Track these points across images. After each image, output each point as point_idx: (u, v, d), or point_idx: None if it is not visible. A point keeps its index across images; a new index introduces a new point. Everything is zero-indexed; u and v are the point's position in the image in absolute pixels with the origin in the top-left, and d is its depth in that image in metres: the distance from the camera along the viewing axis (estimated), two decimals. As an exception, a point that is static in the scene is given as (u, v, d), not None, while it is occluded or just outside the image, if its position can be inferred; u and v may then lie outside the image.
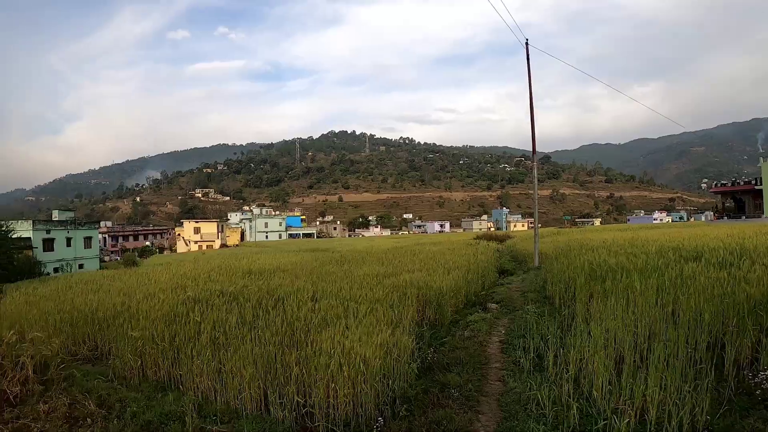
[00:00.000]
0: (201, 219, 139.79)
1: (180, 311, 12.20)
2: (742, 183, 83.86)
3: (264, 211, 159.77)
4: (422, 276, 16.57)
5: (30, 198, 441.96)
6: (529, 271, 24.34)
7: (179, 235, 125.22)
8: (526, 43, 27.81)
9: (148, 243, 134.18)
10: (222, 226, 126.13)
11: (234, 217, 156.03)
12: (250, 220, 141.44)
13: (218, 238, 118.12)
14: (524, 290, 18.35)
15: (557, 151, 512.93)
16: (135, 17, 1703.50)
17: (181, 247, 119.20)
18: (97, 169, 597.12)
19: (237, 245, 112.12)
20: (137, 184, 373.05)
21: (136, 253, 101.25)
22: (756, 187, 76.49)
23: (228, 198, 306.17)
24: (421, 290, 14.45)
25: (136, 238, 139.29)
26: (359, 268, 20.62)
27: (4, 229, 32.58)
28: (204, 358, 9.63)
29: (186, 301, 13.28)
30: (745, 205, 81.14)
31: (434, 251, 29.47)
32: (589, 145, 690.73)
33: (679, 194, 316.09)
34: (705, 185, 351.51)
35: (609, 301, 10.86)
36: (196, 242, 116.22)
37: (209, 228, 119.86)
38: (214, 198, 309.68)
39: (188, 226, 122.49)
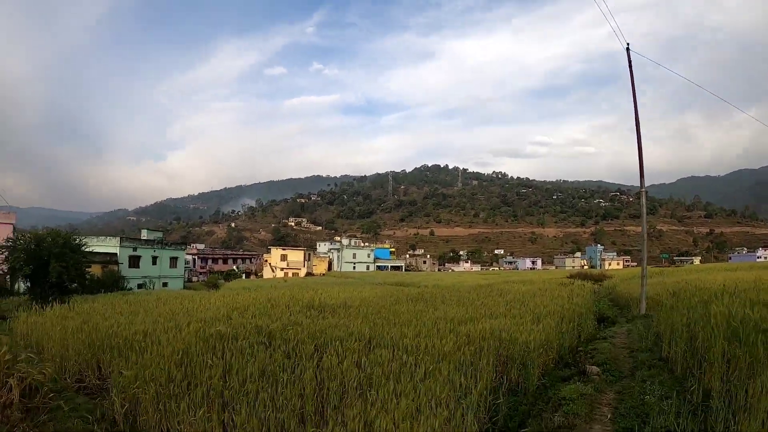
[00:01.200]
0: (288, 247, 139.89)
1: (195, 350, 10.18)
2: None
3: (353, 241, 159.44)
4: (506, 323, 13.73)
5: (131, 218, 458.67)
6: (635, 320, 20.64)
7: (266, 261, 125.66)
8: (627, 49, 24.62)
9: (234, 267, 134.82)
10: (309, 254, 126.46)
11: (322, 247, 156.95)
12: (338, 250, 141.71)
13: (304, 266, 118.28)
14: (632, 348, 15.00)
15: (653, 185, 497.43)
16: (235, 53, 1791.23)
17: (267, 272, 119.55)
18: (195, 194, 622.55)
19: (323, 274, 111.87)
20: (233, 211, 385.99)
21: (221, 276, 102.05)
22: None
23: (320, 228, 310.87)
24: (503, 344, 11.66)
25: (225, 261, 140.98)
26: (434, 309, 18.01)
27: (77, 242, 31.58)
28: (199, 417, 7.99)
29: (210, 337, 11.15)
30: None
31: (523, 291, 26.67)
32: (687, 177, 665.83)
33: None
34: None
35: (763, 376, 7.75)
36: (282, 269, 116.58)
37: (296, 256, 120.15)
38: (306, 227, 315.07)
39: (275, 252, 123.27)
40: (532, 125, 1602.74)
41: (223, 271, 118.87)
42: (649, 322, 17.98)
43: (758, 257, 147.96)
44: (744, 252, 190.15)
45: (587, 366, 12.47)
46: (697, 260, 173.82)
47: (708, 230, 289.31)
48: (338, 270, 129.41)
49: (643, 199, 20.70)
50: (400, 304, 20.04)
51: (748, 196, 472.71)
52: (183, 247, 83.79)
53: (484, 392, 9.01)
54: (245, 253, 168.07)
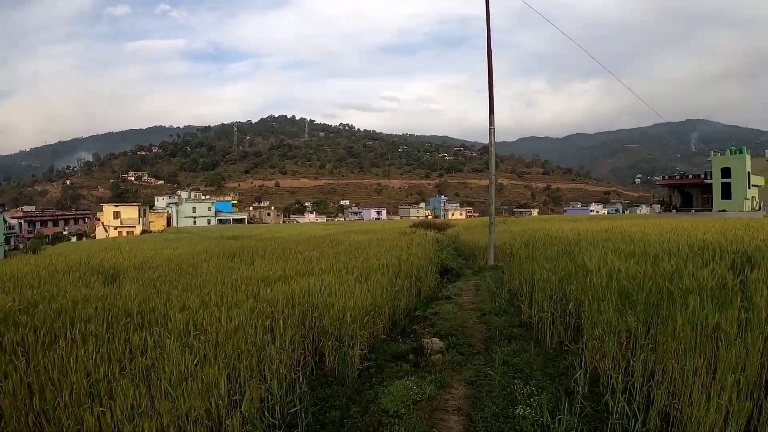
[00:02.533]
0: (121, 204, 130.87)
1: None
2: (690, 177, 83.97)
3: (193, 195, 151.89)
4: (328, 282, 10.79)
5: None
6: (483, 272, 18.19)
7: (99, 220, 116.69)
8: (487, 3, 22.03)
9: (65, 229, 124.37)
10: (144, 210, 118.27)
11: (161, 202, 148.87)
12: (177, 204, 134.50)
13: (139, 223, 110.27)
14: (483, 309, 12.31)
15: (496, 142, 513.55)
16: None
17: (100, 233, 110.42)
18: (27, 150, 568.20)
19: (161, 231, 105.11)
20: (68, 167, 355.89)
21: (48, 241, 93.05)
22: (705, 181, 76.48)
23: (162, 181, 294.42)
24: (315, 312, 8.76)
25: (56, 223, 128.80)
26: (249, 266, 15.13)
27: None
28: None
29: None
30: (692, 199, 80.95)
31: (360, 241, 24.31)
32: (528, 138, 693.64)
33: (614, 188, 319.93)
34: (639, 180, 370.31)
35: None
36: (115, 228, 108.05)
37: (129, 213, 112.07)
38: (147, 181, 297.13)
39: (107, 210, 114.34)
40: (382, 80, 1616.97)
41: (50, 235, 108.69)
42: (500, 275, 15.80)
43: (591, 211, 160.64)
44: (578, 206, 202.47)
45: (426, 340, 9.38)
46: (535, 212, 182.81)
47: (545, 186, 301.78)
48: (177, 225, 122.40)
49: (492, 137, 17.97)
50: (210, 261, 17.02)
51: (583, 157, 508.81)
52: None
53: (280, 389, 6.29)
54: (78, 213, 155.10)
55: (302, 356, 7.73)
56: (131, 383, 5.51)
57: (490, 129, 18.05)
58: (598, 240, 15.36)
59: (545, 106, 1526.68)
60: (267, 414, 5.88)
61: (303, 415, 6.14)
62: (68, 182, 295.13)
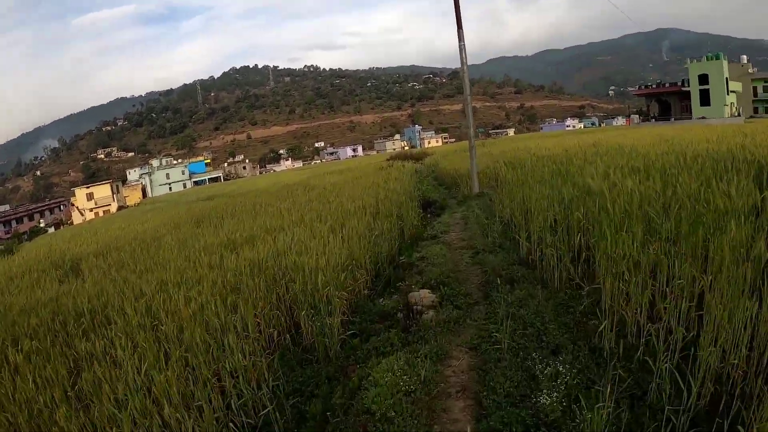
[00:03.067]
0: (92, 184, 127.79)
1: None
2: (668, 85, 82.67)
3: (164, 161, 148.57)
4: (301, 235, 9.97)
5: None
6: (468, 202, 16.91)
7: (73, 205, 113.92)
8: None
9: (40, 222, 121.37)
10: (117, 186, 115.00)
11: (133, 174, 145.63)
12: (149, 174, 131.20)
13: (114, 200, 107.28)
14: (475, 247, 10.98)
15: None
16: None
17: (76, 217, 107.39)
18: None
19: (137, 204, 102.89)
20: (35, 157, 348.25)
21: (25, 237, 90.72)
22: (683, 89, 75.39)
23: (132, 153, 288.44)
24: (286, 276, 7.75)
25: (31, 218, 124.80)
26: (216, 229, 14.38)
27: None
28: None
29: None
30: (670, 107, 79.94)
31: (335, 183, 23.36)
32: (497, 58, 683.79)
33: (588, 102, 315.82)
34: (612, 92, 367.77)
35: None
36: (91, 210, 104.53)
37: (102, 192, 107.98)
38: (118, 156, 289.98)
39: (80, 193, 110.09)
40: (343, 15, 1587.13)
41: (27, 231, 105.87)
42: (487, 203, 14.70)
43: (567, 126, 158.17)
44: (554, 122, 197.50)
45: (415, 293, 8.05)
46: (511, 132, 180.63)
47: (519, 105, 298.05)
48: (153, 195, 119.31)
49: (463, 54, 16.13)
50: (176, 231, 16.18)
51: (555, 73, 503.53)
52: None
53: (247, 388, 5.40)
54: (52, 202, 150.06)
55: (276, 332, 6.77)
56: (72, 410, 4.78)
57: (460, 45, 16.34)
58: (590, 155, 14.16)
59: (513, 24, 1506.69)
60: (241, 414, 5.08)
61: (277, 414, 5.12)
62: (38, 173, 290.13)
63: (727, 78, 71.19)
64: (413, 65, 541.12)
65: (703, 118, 63.83)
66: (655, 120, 75.79)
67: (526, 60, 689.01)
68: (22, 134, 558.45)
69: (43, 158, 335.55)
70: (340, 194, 16.54)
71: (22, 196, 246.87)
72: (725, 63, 72.27)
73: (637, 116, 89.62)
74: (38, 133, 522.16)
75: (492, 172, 18.88)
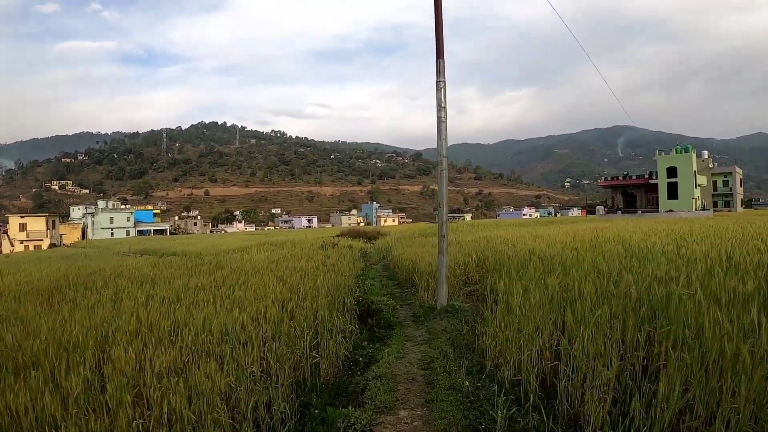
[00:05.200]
0: (27, 215, 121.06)
1: None
2: (634, 177, 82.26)
3: (110, 204, 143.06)
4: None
5: None
6: (431, 320, 11.03)
7: (5, 233, 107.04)
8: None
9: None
10: (54, 222, 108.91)
11: (76, 212, 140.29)
12: (93, 214, 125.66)
13: (47, 236, 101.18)
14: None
15: (428, 148, 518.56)
16: None
17: (6, 247, 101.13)
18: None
19: (71, 244, 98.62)
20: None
21: None
22: (651, 181, 74.63)
23: (87, 191, 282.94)
24: None
25: None
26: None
27: None
28: None
29: None
30: (636, 200, 79.09)
31: (257, 261, 18.10)
32: (460, 144, 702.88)
33: (544, 192, 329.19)
34: (568, 184, 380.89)
35: None
36: (21, 242, 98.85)
37: (36, 225, 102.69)
38: (72, 190, 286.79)
39: (13, 222, 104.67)
40: (315, 87, 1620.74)
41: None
42: (462, 331, 9.34)
43: (524, 215, 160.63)
44: (511, 210, 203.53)
45: None
46: (468, 216, 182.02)
47: (477, 191, 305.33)
48: (93, 238, 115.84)
49: (443, 94, 10.76)
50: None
51: (514, 162, 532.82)
52: None
53: None
54: None
55: None
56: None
57: (438, 82, 11.39)
58: (605, 253, 11.19)
59: (477, 113, 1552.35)
60: None
61: None
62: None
63: (695, 171, 70.91)
64: (378, 143, 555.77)
65: (670, 211, 63.87)
66: (621, 212, 74.51)
67: (487, 148, 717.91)
68: None
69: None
70: (256, 276, 12.87)
71: None
72: (694, 156, 72.20)
73: (602, 208, 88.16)
74: None
75: (462, 271, 14.39)
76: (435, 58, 11.65)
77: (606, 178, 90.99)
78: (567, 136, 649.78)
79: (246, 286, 11.01)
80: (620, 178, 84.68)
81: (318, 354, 7.66)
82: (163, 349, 6.56)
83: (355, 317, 10.09)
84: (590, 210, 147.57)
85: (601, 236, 17.72)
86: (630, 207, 77.58)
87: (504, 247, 16.30)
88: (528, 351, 6.05)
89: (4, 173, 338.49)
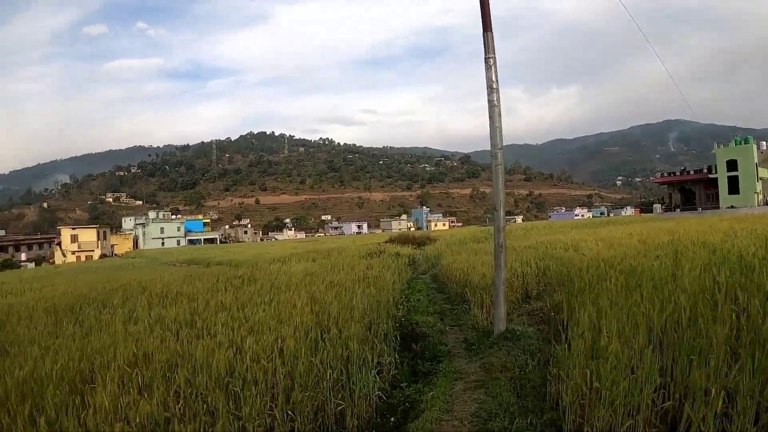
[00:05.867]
0: (79, 226, 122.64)
1: None
2: (692, 172, 77.20)
3: (161, 214, 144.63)
4: None
5: None
6: (487, 348, 8.88)
7: (58, 244, 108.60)
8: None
9: (22, 255, 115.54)
10: (105, 233, 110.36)
11: (128, 222, 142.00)
12: (144, 225, 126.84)
13: (98, 247, 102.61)
14: None
15: (477, 151, 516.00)
16: (48, 9, 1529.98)
17: (58, 258, 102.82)
18: (6, 173, 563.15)
19: (123, 255, 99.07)
20: (46, 189, 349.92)
21: None
22: (710, 176, 69.93)
23: (140, 202, 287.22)
24: None
25: (17, 248, 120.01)
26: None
27: None
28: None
29: None
30: (695, 196, 74.32)
31: (293, 274, 16.54)
32: (509, 145, 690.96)
33: (596, 191, 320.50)
34: (620, 182, 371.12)
35: None
36: (73, 252, 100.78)
37: (87, 236, 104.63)
38: (126, 202, 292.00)
39: (65, 233, 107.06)
40: (361, 93, 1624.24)
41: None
42: (527, 367, 7.08)
43: (576, 215, 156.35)
44: (562, 210, 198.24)
45: None
46: (519, 218, 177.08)
47: (528, 192, 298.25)
48: (144, 247, 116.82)
49: (492, 72, 8.79)
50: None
51: (564, 162, 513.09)
52: None
53: None
54: (42, 237, 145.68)
55: None
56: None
57: (486, 59, 9.40)
58: (693, 261, 8.97)
59: (524, 113, 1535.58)
60: None
61: None
62: (45, 205, 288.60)
63: (756, 164, 66.18)
64: (426, 147, 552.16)
65: (732, 207, 59.04)
66: (680, 210, 70.48)
67: (536, 148, 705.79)
68: (38, 164, 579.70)
69: (53, 192, 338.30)
70: (287, 293, 11.39)
71: (25, 224, 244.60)
72: (755, 147, 67.40)
73: (660, 206, 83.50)
74: (53, 166, 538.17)
75: (520, 284, 12.56)
76: (482, 32, 9.77)
77: (662, 174, 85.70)
78: (616, 132, 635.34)
79: (272, 305, 9.54)
80: (677, 173, 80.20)
81: (344, 399, 6.07)
82: (148, 394, 5.39)
83: (395, 344, 8.44)
84: (644, 209, 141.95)
85: (674, 239, 15.72)
86: (688, 204, 73.58)
87: (567, 254, 14.51)
88: (626, 417, 4.35)
89: (60, 187, 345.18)
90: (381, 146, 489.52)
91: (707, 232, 18.06)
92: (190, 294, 13.05)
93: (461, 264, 15.87)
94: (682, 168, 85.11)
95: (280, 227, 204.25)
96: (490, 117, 9.67)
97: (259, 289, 12.55)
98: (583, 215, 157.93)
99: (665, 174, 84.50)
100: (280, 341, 6.78)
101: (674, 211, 70.93)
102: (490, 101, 9.64)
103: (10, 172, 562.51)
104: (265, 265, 22.43)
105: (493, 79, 9.69)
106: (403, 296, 14.09)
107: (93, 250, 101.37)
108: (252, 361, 5.97)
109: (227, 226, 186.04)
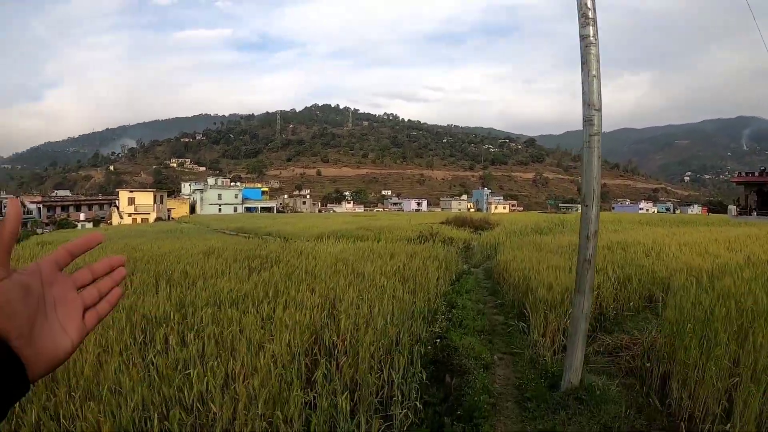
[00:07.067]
0: (137, 189, 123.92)
1: None
2: None
3: (219, 181, 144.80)
4: None
5: (5, 166, 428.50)
6: (548, 413, 6.03)
7: (116, 206, 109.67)
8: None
9: (81, 215, 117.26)
10: (161, 197, 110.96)
11: (186, 188, 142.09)
12: (202, 190, 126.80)
13: (154, 210, 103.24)
14: None
15: (542, 135, 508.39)
16: None
17: (115, 219, 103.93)
18: (76, 137, 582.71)
19: (179, 219, 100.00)
20: (113, 153, 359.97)
21: (54, 226, 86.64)
22: None
23: (204, 168, 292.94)
24: None
25: (78, 208, 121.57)
26: None
27: None
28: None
29: None
30: None
31: (340, 252, 15.33)
32: (574, 131, 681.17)
33: (662, 185, 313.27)
34: (688, 178, 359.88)
35: None
36: (130, 215, 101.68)
37: (144, 199, 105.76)
38: (189, 168, 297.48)
39: (123, 196, 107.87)
40: (427, 69, 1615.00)
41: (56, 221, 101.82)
42: None
43: (641, 209, 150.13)
44: (627, 203, 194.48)
45: None
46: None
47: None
48: (201, 213, 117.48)
49: (591, 27, 6.21)
50: None
51: (631, 152, 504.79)
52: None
53: None
54: (101, 198, 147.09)
55: None
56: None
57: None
58: None
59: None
60: None
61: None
62: (112, 168, 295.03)
63: None
64: (490, 128, 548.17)
65: None
66: (756, 215, 64.01)
67: (603, 136, 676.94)
68: (107, 129, 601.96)
69: (120, 155, 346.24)
70: (302, 284, 9.64)
71: (91, 186, 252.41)
72: None
73: (735, 207, 77.90)
74: (122, 131, 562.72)
75: (593, 302, 9.32)
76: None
77: (739, 174, 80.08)
78: (688, 126, 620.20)
79: (271, 306, 7.37)
80: (756, 174, 73.15)
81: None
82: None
83: (420, 377, 6.03)
84: (713, 208, 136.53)
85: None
86: (765, 208, 66.43)
87: (649, 261, 11.93)
88: None
89: (127, 151, 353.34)
90: (445, 124, 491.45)
91: None
92: (196, 276, 11.05)
93: (521, 263, 12.72)
94: (762, 168, 79.36)
95: (339, 200, 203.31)
96: (584, 62, 6.66)
97: (272, 276, 10.32)
98: (648, 209, 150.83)
99: (743, 173, 79.02)
100: (241, 381, 4.57)
101: (750, 214, 65.24)
102: (583, 38, 6.39)
103: (80, 135, 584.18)
104: (303, 243, 20.12)
105: (589, 5, 6.55)
106: (446, 300, 11.44)
107: (149, 213, 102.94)
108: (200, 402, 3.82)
109: (286, 196, 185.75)
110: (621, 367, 7.25)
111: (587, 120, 6.80)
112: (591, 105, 6.63)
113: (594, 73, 6.57)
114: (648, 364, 6.32)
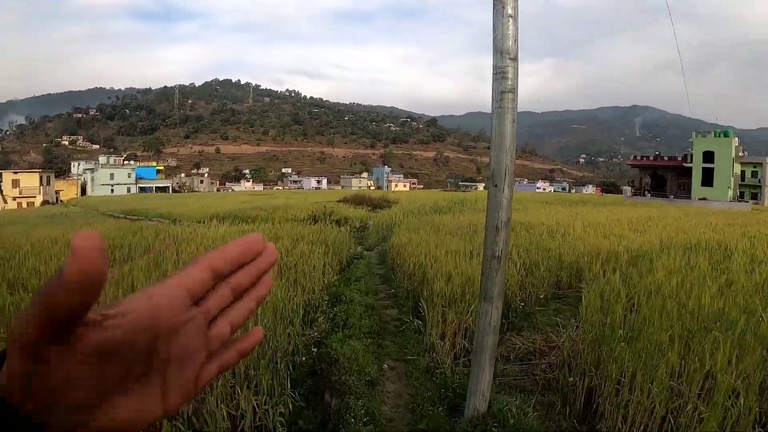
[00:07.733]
0: (21, 170, 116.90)
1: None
2: (666, 158, 76.69)
3: (111, 159, 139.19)
4: None
5: None
6: None
7: (0, 190, 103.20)
8: None
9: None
10: (48, 178, 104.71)
11: (76, 167, 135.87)
12: (93, 170, 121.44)
13: (40, 193, 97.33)
14: None
15: (444, 115, 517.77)
16: None
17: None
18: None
19: (69, 201, 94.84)
20: (0, 130, 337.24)
21: None
22: (685, 165, 69.08)
23: (98, 146, 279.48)
24: None
25: None
26: None
27: None
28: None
29: None
30: (665, 183, 73.42)
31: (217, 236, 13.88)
32: (476, 113, 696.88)
33: (559, 166, 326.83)
34: (583, 160, 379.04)
35: None
36: (14, 198, 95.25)
37: (29, 181, 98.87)
38: (82, 146, 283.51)
39: (6, 178, 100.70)
40: (333, 47, 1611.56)
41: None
42: None
43: (538, 188, 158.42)
44: (524, 182, 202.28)
45: None
46: (481, 186, 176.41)
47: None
48: (92, 194, 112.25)
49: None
50: None
51: (529, 134, 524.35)
52: None
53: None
54: None
55: None
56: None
57: None
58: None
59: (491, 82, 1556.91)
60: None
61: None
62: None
63: (734, 158, 65.20)
64: (393, 107, 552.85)
65: (704, 199, 57.58)
66: (650, 195, 68.73)
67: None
68: None
69: (7, 133, 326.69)
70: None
71: None
72: (735, 141, 66.26)
73: (630, 189, 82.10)
74: (9, 106, 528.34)
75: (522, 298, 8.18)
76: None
77: (635, 157, 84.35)
78: (585, 112, 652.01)
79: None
80: (650, 158, 79.34)
81: None
82: None
83: (292, 398, 4.74)
84: (606, 189, 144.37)
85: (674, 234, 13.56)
86: (658, 190, 72.21)
87: (555, 244, 11.12)
88: None
89: (14, 128, 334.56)
90: (348, 102, 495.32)
91: (698, 225, 16.88)
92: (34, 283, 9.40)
93: (417, 248, 11.35)
94: (657, 153, 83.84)
95: (239, 178, 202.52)
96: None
97: (123, 274, 8.75)
98: (545, 189, 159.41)
99: (638, 157, 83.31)
100: None
101: (644, 195, 69.63)
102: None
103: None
104: (186, 228, 18.31)
105: None
106: (330, 293, 10.09)
107: (35, 196, 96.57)
108: None
109: (183, 174, 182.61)
110: (537, 380, 6.06)
111: (499, 71, 5.08)
112: (504, 53, 5.01)
113: (510, 12, 5.04)
114: (570, 379, 5.27)
